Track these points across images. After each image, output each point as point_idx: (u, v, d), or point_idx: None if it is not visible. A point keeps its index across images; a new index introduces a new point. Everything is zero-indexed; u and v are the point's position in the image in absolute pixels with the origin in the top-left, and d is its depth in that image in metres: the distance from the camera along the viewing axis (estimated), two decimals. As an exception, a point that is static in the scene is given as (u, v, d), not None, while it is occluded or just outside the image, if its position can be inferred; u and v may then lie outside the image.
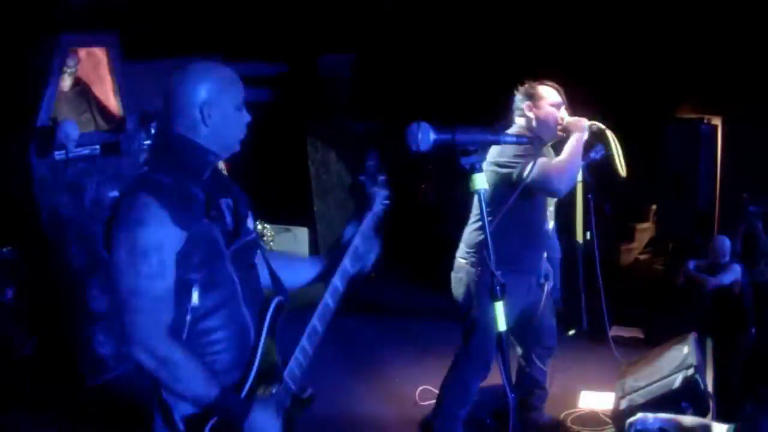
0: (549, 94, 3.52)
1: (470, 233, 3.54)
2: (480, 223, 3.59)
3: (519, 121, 3.56)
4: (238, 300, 2.10)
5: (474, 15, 6.70)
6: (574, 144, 3.41)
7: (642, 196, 7.23)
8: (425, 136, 1.54)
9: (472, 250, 3.53)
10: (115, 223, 1.96)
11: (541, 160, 3.31)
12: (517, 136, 1.51)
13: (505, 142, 1.56)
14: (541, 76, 3.63)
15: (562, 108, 3.53)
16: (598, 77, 6.58)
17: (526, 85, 3.56)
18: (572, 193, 3.57)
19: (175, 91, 2.06)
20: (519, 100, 3.57)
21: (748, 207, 5.14)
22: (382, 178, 2.34)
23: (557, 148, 3.53)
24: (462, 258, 3.60)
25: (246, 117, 2.16)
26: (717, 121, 6.34)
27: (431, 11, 6.86)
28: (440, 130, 1.56)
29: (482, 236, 3.53)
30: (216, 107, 2.06)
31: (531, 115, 3.51)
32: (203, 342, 2.05)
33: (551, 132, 3.52)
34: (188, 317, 2.00)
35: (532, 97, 3.52)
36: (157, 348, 1.92)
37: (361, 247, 2.31)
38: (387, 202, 2.37)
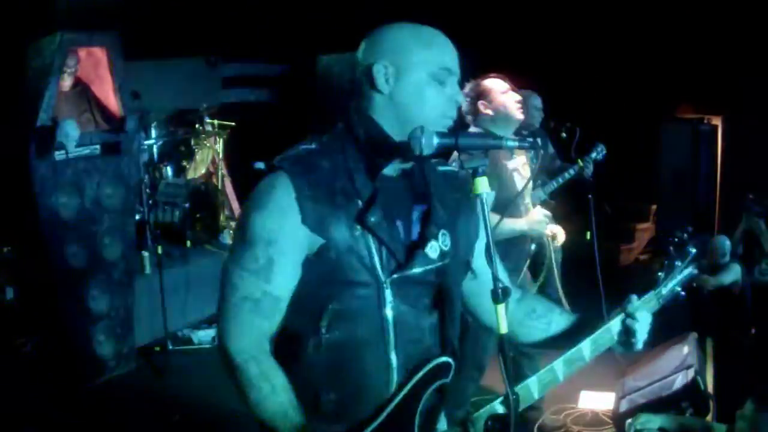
0: (494, 84, 3.46)
1: None
2: None
3: (479, 124, 3.47)
4: (386, 346, 1.61)
5: (472, 14, 6.69)
6: (515, 227, 3.41)
7: (642, 196, 7.25)
8: (429, 141, 1.53)
9: None
10: (249, 195, 1.64)
11: (506, 221, 3.27)
12: (519, 140, 1.51)
13: (509, 147, 1.55)
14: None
15: (510, 91, 3.46)
16: (599, 77, 6.59)
17: (468, 87, 3.47)
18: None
19: (357, 56, 1.64)
20: (469, 104, 3.47)
21: (751, 207, 5.14)
22: (693, 250, 1.81)
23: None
24: None
25: (454, 93, 1.64)
26: (717, 121, 6.35)
27: (431, 10, 6.86)
28: (443, 135, 1.56)
29: None
30: (399, 67, 1.59)
31: (489, 111, 3.43)
32: (317, 374, 1.63)
33: (514, 118, 3.45)
34: (311, 342, 1.60)
35: (481, 94, 3.45)
36: (234, 352, 1.59)
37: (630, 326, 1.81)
38: (681, 287, 1.83)
